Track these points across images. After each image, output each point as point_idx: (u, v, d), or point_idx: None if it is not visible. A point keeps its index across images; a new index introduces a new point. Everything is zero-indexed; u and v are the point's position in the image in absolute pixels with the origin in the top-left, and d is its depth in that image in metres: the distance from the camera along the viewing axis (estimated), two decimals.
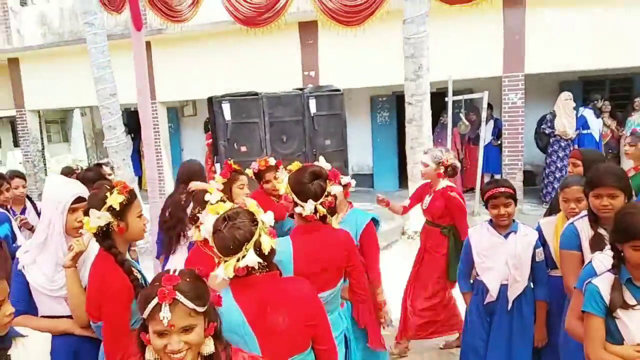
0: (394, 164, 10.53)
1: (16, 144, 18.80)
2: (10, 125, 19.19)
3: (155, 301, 1.37)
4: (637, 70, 8.81)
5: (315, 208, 2.24)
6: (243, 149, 6.26)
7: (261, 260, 1.72)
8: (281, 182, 2.38)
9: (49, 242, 2.27)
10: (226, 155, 6.03)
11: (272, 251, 1.77)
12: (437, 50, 6.90)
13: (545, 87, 9.39)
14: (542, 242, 2.86)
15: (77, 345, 2.25)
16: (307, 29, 9.14)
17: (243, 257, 1.69)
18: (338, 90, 6.71)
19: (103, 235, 2.12)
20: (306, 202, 2.24)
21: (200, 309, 1.42)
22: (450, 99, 7.94)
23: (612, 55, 7.76)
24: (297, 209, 2.26)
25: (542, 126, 8.33)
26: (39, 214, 4.42)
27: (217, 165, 6.84)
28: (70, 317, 2.26)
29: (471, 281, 3.06)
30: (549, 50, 8.01)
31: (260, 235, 1.72)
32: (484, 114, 8.07)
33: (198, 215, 2.70)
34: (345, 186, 3.06)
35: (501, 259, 2.79)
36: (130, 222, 2.16)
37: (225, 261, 1.71)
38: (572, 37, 7.84)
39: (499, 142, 9.03)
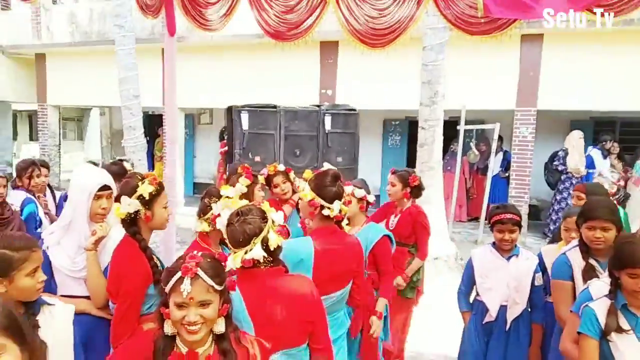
0: None
1: (31, 137, 19.17)
2: (28, 119, 19.57)
3: (178, 275, 1.51)
4: None
5: (340, 208, 2.39)
6: (257, 158, 6.40)
7: (266, 255, 1.84)
8: (302, 190, 2.50)
9: (73, 226, 2.41)
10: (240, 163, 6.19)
11: (279, 248, 1.89)
12: (453, 79, 7.09)
13: (556, 123, 9.53)
14: (542, 268, 2.97)
15: (92, 324, 2.36)
16: (329, 48, 9.39)
17: (251, 250, 1.82)
18: (354, 109, 6.88)
19: (130, 221, 2.27)
20: (332, 203, 2.38)
21: (218, 287, 1.55)
22: (462, 127, 8.09)
23: (624, 98, 7.91)
24: (325, 212, 2.39)
25: (555, 162, 8.43)
26: (56, 203, 4.60)
27: None
28: (87, 298, 2.38)
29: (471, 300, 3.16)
30: (562, 88, 8.17)
31: (268, 232, 1.85)
32: (494, 145, 8.20)
33: (211, 206, 2.77)
34: (361, 199, 3.19)
35: (502, 281, 2.89)
36: (156, 212, 2.31)
37: (235, 252, 1.85)
38: (585, 77, 8.01)
39: (507, 174, 9.15)
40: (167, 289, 1.54)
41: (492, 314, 2.91)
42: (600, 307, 2.07)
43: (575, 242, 2.67)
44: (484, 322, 2.96)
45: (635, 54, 7.75)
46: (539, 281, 2.90)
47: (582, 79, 8.03)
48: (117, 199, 2.28)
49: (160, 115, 11.15)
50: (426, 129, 6.22)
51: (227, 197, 2.79)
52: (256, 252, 1.82)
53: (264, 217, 1.89)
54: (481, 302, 2.99)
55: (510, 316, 2.88)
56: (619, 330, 2.01)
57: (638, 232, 2.71)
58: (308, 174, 2.59)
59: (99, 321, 2.38)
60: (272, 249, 1.85)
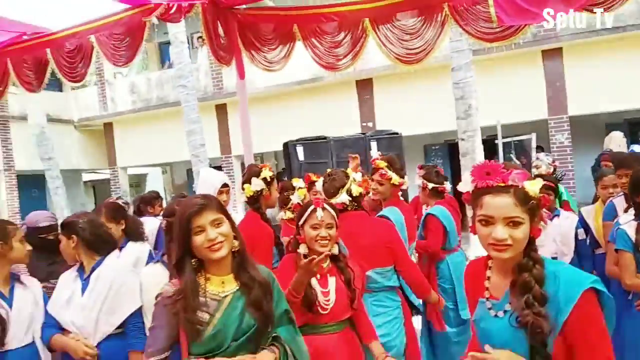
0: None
1: (96, 204, 20.68)
2: (92, 189, 21.17)
3: (312, 207, 2.22)
4: None
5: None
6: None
7: (350, 198, 2.64)
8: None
9: None
10: None
11: (360, 195, 2.67)
12: (485, 99, 7.68)
13: (591, 128, 9.86)
14: (584, 226, 3.46)
15: None
16: (364, 86, 10.32)
17: (339, 197, 2.63)
18: (397, 133, 7.55)
19: (254, 199, 2.98)
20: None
21: (336, 217, 2.23)
22: (500, 141, 8.58)
23: None
24: (394, 182, 3.23)
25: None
26: None
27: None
28: None
29: None
30: (591, 93, 8.66)
31: (350, 185, 2.66)
32: (533, 154, 8.61)
33: (290, 197, 3.58)
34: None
35: (550, 237, 3.40)
36: (272, 192, 3.05)
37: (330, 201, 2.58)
38: (612, 81, 8.44)
39: None
40: (302, 220, 2.21)
41: None
42: (629, 228, 2.59)
43: (621, 192, 3.16)
44: None
45: None
46: (581, 235, 3.41)
47: (610, 83, 8.46)
48: (245, 182, 3.00)
49: (219, 167, 12.16)
50: (465, 140, 6.80)
51: (300, 187, 3.59)
52: (343, 197, 2.64)
53: (347, 176, 2.71)
54: None
55: None
56: None
57: None
58: (380, 162, 3.25)
59: None
60: (354, 195, 2.64)
